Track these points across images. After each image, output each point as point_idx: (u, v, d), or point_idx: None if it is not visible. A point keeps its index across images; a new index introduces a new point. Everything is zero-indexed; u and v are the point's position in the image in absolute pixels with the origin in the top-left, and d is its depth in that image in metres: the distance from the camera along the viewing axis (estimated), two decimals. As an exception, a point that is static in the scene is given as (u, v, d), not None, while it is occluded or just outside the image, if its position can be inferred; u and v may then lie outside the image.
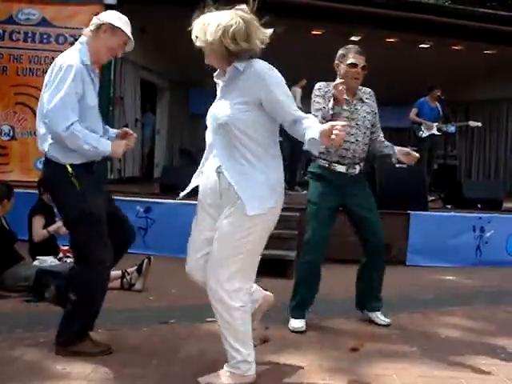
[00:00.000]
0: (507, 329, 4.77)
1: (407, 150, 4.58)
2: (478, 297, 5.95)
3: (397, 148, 4.58)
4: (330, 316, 4.86)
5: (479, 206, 8.59)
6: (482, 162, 14.53)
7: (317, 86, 4.55)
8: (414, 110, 9.69)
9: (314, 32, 10.58)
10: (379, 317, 4.70)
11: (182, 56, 10.63)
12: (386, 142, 4.67)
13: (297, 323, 4.44)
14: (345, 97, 4.31)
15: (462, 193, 8.76)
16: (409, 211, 7.54)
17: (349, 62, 4.45)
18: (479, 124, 10.68)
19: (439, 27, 10.74)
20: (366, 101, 4.61)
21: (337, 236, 4.84)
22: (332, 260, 5.86)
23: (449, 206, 8.84)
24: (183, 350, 3.87)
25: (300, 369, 3.61)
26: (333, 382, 3.43)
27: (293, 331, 4.38)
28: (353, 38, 10.64)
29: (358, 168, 4.56)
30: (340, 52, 4.55)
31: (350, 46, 4.57)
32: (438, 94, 9.76)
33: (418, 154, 4.54)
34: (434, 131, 9.64)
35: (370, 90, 4.68)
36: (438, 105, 9.82)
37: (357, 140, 4.50)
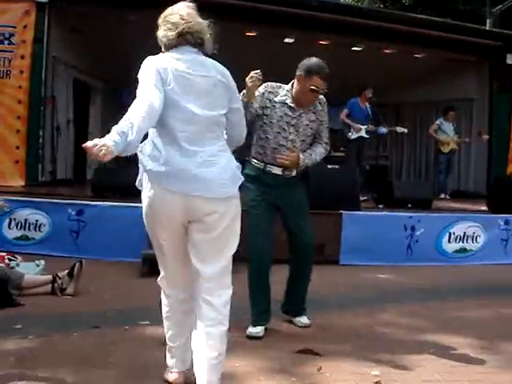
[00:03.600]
0: (437, 325, 4.89)
1: None
2: (410, 294, 6.08)
3: None
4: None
5: (409, 205, 8.82)
6: (413, 162, 14.93)
7: (264, 85, 4.37)
8: (345, 111, 9.80)
9: (248, 33, 10.63)
10: (301, 320, 4.69)
11: (114, 55, 10.54)
12: (309, 151, 4.54)
13: (255, 329, 4.35)
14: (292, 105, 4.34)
15: (392, 193, 8.97)
16: (341, 211, 7.63)
17: (312, 87, 4.29)
18: (405, 130, 11.01)
19: (371, 30, 10.99)
20: (314, 109, 4.49)
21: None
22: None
23: (380, 206, 9.03)
24: (115, 354, 3.82)
25: (234, 370, 3.61)
26: (267, 382, 3.46)
27: (249, 337, 4.28)
28: (287, 40, 10.77)
29: (294, 170, 4.50)
30: (307, 65, 4.35)
31: (318, 62, 4.34)
32: (370, 95, 9.92)
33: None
34: (363, 134, 9.79)
35: (323, 97, 4.51)
36: (369, 106, 9.98)
37: (294, 146, 4.42)
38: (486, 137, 11.95)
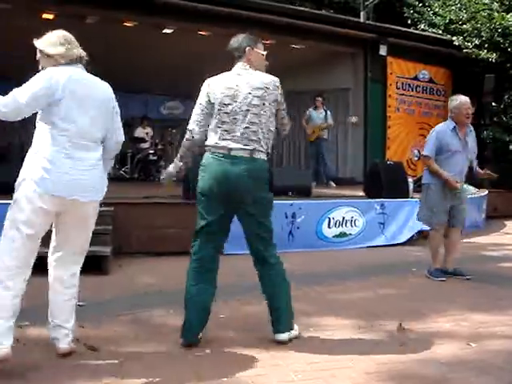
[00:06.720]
0: (320, 308, 5.03)
1: None
2: (292, 280, 6.13)
3: None
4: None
5: (290, 193, 8.98)
6: (293, 150, 15.20)
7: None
8: None
9: (89, 21, 10.51)
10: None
11: None
12: None
13: None
14: None
15: (272, 181, 9.07)
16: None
17: (264, 52, 4.21)
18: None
19: (251, 23, 11.08)
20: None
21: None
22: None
23: (262, 195, 9.10)
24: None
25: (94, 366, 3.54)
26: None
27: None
28: (126, 24, 10.65)
29: None
30: (247, 37, 4.18)
31: (247, 35, 4.21)
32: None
33: None
34: None
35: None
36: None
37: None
38: (354, 119, 12.28)
